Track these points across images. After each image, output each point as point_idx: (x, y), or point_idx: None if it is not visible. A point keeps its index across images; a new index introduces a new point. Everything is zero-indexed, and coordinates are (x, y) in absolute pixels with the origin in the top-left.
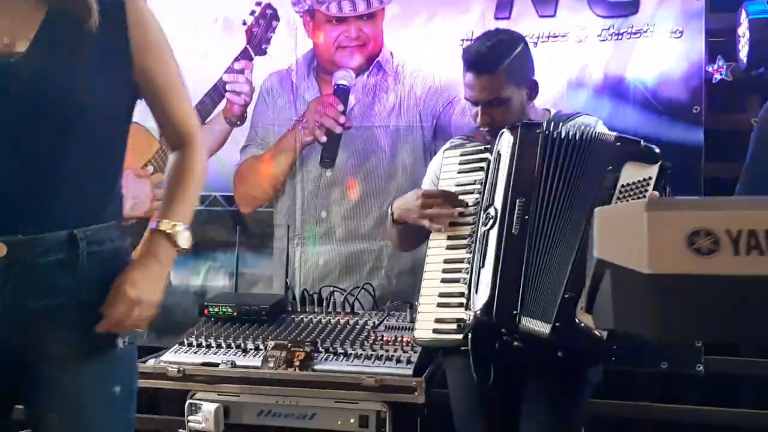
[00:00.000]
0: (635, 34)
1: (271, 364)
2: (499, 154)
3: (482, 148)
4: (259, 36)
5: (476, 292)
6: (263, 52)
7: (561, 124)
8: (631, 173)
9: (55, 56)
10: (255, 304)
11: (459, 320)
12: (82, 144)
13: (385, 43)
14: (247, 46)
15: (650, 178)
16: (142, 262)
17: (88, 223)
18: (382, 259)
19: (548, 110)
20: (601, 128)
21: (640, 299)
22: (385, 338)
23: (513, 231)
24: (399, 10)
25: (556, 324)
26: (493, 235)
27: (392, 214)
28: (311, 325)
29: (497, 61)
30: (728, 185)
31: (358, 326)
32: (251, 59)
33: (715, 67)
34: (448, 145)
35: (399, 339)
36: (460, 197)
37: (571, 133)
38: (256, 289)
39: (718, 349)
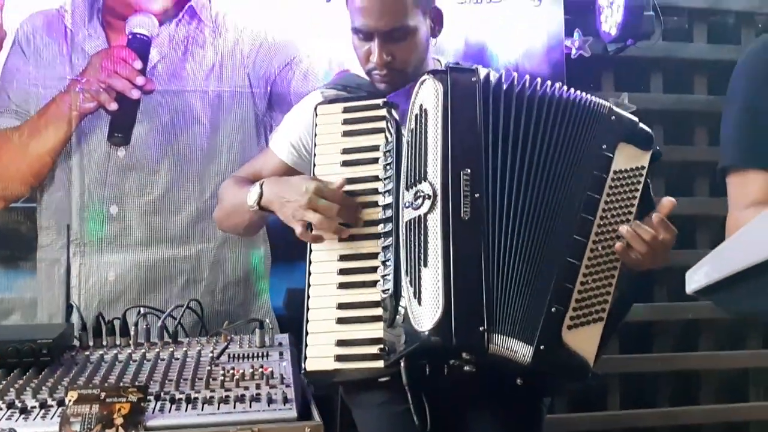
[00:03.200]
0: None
1: (77, 428)
2: (423, 111)
3: (378, 102)
4: None
5: (418, 302)
6: None
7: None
8: (624, 158)
9: None
10: (28, 339)
11: (378, 341)
12: None
13: None
14: None
15: (643, 167)
16: None
17: None
18: (201, 268)
19: (438, 59)
20: None
21: None
22: (236, 372)
23: (463, 215)
24: None
25: (540, 347)
26: (435, 221)
27: (260, 196)
28: (118, 363)
29: None
30: None
31: (189, 359)
32: None
33: (574, 39)
34: (317, 96)
35: (256, 371)
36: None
37: (551, 91)
38: (10, 321)
39: None
